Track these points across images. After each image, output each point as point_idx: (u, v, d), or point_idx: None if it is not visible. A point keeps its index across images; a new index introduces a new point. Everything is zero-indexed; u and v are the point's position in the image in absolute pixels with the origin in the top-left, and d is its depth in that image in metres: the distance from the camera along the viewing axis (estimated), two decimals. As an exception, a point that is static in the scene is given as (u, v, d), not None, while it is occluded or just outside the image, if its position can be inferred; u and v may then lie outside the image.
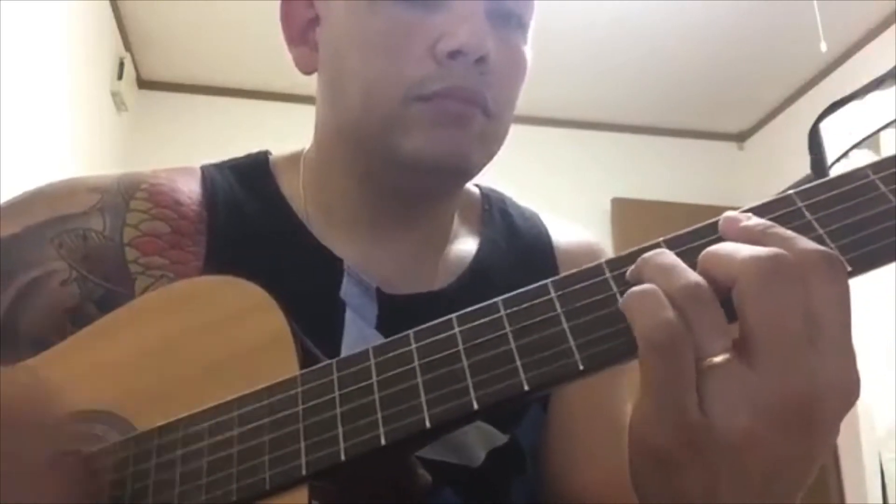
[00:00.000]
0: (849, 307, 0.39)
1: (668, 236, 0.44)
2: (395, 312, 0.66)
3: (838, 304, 0.39)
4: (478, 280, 0.70)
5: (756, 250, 0.39)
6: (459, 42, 0.61)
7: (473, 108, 0.63)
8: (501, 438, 0.66)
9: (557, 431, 0.71)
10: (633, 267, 0.43)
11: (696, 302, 0.39)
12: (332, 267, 0.67)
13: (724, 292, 0.40)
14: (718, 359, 0.38)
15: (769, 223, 0.42)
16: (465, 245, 0.74)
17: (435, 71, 0.62)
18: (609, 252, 0.78)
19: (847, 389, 0.39)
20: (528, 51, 0.68)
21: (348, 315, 0.65)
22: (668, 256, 0.42)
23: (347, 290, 0.66)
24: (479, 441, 0.65)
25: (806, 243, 0.40)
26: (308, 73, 0.70)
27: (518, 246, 0.75)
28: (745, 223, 0.42)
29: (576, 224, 0.82)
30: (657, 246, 0.44)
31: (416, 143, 0.62)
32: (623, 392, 0.71)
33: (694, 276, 0.40)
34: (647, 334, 0.39)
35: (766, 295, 0.38)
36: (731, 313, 0.40)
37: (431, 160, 0.63)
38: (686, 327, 0.39)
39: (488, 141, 0.66)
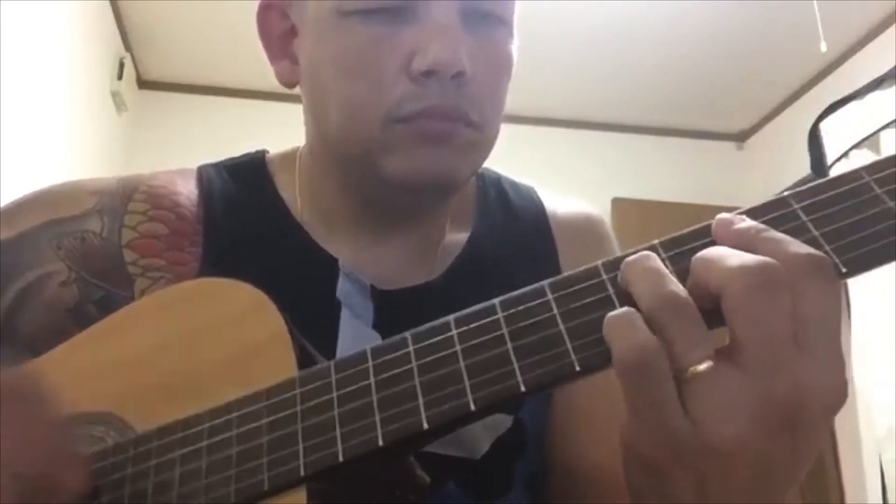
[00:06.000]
0: (838, 311, 0.39)
1: (664, 238, 0.44)
2: (391, 308, 0.66)
3: (827, 308, 0.39)
4: (469, 265, 0.70)
5: (744, 259, 0.39)
6: (433, 60, 0.59)
7: (455, 124, 0.61)
8: (506, 422, 0.66)
9: (560, 409, 0.70)
10: (620, 270, 0.43)
11: (675, 314, 0.39)
12: (327, 267, 0.67)
13: (713, 299, 0.40)
14: (702, 367, 0.39)
15: (761, 226, 0.42)
16: (458, 231, 0.73)
17: (411, 91, 0.60)
18: (610, 223, 0.77)
19: (832, 392, 0.39)
20: (514, 47, 0.66)
21: (344, 314, 0.65)
22: (652, 261, 0.41)
23: (343, 289, 0.66)
24: (483, 430, 0.65)
25: (797, 247, 0.40)
26: (292, 86, 0.69)
27: (514, 221, 0.75)
28: (737, 226, 0.42)
29: (575, 197, 0.80)
30: (653, 249, 0.44)
31: (400, 163, 0.61)
32: None
33: (674, 286, 0.40)
34: (620, 356, 0.39)
35: (754, 306, 0.38)
36: (719, 318, 0.40)
37: (416, 180, 0.62)
38: (662, 342, 0.39)
39: (476, 149, 0.64)
